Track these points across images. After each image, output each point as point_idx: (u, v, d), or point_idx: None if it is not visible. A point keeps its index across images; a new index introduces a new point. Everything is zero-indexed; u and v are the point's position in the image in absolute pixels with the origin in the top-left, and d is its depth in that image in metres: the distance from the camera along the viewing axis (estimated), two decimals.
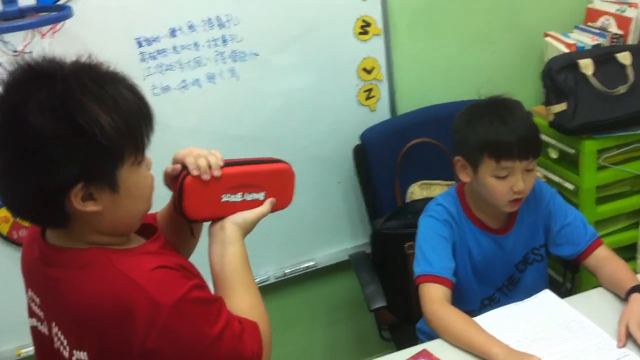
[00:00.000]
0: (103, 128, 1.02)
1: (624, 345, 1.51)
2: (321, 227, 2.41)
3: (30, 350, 2.15)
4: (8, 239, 2.04)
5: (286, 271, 2.41)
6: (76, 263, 1.10)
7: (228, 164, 1.25)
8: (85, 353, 1.09)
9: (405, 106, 2.37)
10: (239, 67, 2.14)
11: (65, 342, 1.13)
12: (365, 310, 2.17)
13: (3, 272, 2.07)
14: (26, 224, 1.96)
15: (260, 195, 1.29)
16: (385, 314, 2.11)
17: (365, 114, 2.33)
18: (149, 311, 1.03)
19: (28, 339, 2.07)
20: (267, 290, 2.32)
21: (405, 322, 2.08)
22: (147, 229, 1.23)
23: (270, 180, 1.30)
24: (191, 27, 2.05)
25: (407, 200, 2.25)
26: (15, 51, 1.75)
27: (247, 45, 2.12)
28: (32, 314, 1.24)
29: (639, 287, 1.62)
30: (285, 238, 2.35)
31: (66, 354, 1.13)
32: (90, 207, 1.06)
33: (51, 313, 1.16)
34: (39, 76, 1.03)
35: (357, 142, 2.26)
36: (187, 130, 2.12)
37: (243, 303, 1.20)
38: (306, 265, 2.43)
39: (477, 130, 1.69)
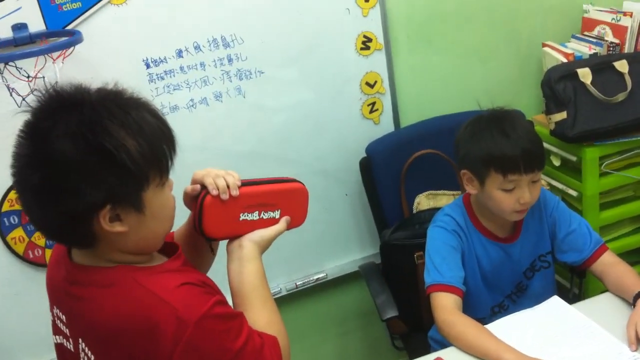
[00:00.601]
0: (129, 152, 1.06)
1: (636, 349, 1.54)
2: (330, 239, 2.45)
3: None
4: (24, 259, 2.07)
5: (297, 283, 2.44)
6: (101, 281, 1.13)
7: (245, 183, 1.29)
8: None
9: (409, 118, 2.41)
10: (245, 85, 2.18)
11: (92, 358, 1.16)
12: (376, 320, 2.19)
13: (20, 290, 2.11)
14: (42, 243, 2.02)
15: (276, 214, 1.33)
16: (397, 323, 2.13)
17: (369, 127, 2.37)
18: (175, 327, 1.06)
19: (43, 355, 2.15)
20: (279, 302, 2.32)
21: (416, 330, 2.11)
22: (168, 247, 1.27)
23: (285, 199, 1.34)
24: (197, 47, 2.10)
25: (414, 210, 2.29)
26: (29, 77, 1.79)
27: (252, 63, 2.17)
28: (57, 331, 1.27)
29: None
30: (295, 251, 2.38)
31: None
32: (117, 227, 1.10)
33: (77, 330, 1.19)
34: (67, 103, 1.08)
35: (363, 154, 2.30)
36: (196, 147, 2.15)
37: (262, 318, 1.23)
38: (317, 277, 2.47)
39: (481, 144, 1.72)
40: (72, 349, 1.23)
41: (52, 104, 1.08)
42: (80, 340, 1.19)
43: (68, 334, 1.23)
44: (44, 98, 1.09)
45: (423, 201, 2.29)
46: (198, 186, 1.28)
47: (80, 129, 1.04)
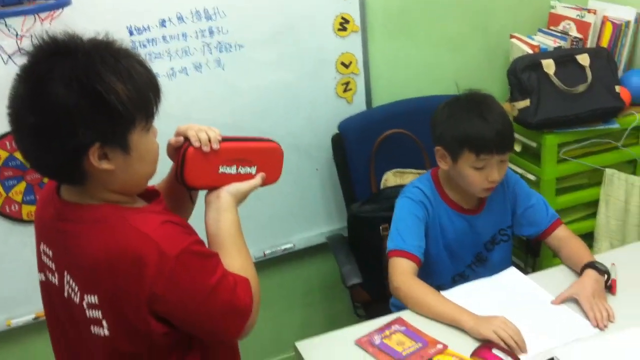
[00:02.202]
0: (119, 95, 1.14)
1: (558, 304, 1.72)
2: (300, 212, 2.54)
3: (19, 321, 2.25)
4: (1, 213, 2.12)
5: (266, 252, 2.52)
6: (90, 217, 1.21)
7: (225, 139, 1.37)
8: (96, 297, 1.21)
9: (380, 99, 2.51)
10: (224, 58, 2.25)
11: (76, 289, 1.24)
12: (340, 291, 2.29)
13: None
14: (18, 199, 2.07)
15: (253, 170, 1.41)
16: (360, 292, 2.23)
17: (342, 106, 2.46)
18: (157, 260, 1.15)
19: (16, 311, 2.20)
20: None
21: (378, 300, 2.21)
22: (149, 193, 1.35)
23: (262, 156, 1.42)
24: (180, 18, 2.16)
25: (382, 187, 2.39)
26: (17, 35, 1.83)
27: (232, 37, 2.24)
28: (42, 267, 1.34)
29: (592, 263, 1.78)
30: (265, 221, 2.47)
31: (77, 299, 1.24)
32: (105, 165, 1.18)
33: (63, 263, 1.26)
34: (62, 49, 1.14)
35: (335, 131, 2.39)
36: (174, 116, 2.14)
37: (236, 263, 1.32)
38: (284, 247, 2.55)
39: (458, 125, 1.82)
40: (56, 283, 1.29)
41: (47, 49, 1.15)
42: (65, 272, 1.25)
43: (54, 268, 1.29)
44: (39, 44, 1.16)
45: (390, 178, 2.39)
46: (181, 138, 1.35)
47: (75, 73, 1.11)
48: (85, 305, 1.23)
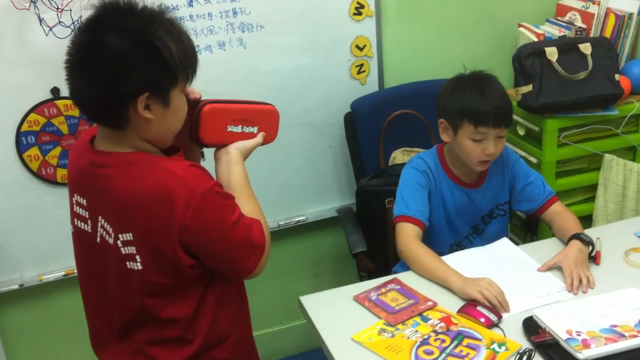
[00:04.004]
0: (171, 52, 1.31)
1: (544, 271, 1.87)
2: (313, 186, 2.69)
3: (50, 277, 2.44)
4: (37, 175, 2.30)
5: (280, 223, 2.68)
6: (124, 161, 1.37)
7: (231, 101, 1.53)
8: (130, 234, 1.37)
9: (392, 81, 2.66)
10: (247, 37, 2.41)
11: (110, 230, 1.40)
12: (349, 262, 2.43)
13: (31, 204, 2.34)
14: (54, 162, 2.25)
15: (255, 129, 1.56)
16: (365, 261, 2.38)
17: (356, 87, 2.61)
18: (186, 195, 1.32)
19: (48, 266, 2.39)
20: None
21: (382, 268, 2.35)
22: (171, 149, 1.49)
23: (262, 117, 1.58)
24: None
25: (390, 164, 2.54)
26: (58, 8, 2.02)
27: (254, 18, 2.40)
28: (75, 217, 1.50)
29: (578, 234, 1.92)
30: (280, 194, 2.63)
31: (111, 240, 1.40)
32: (147, 114, 1.34)
33: (97, 208, 1.42)
34: (125, 8, 1.33)
35: (348, 110, 2.54)
36: (196, 89, 2.37)
37: (247, 208, 1.47)
38: (298, 219, 2.71)
39: (460, 98, 1.97)
40: (89, 230, 1.46)
41: (111, 6, 1.33)
42: (100, 217, 1.42)
43: (87, 216, 1.45)
44: (104, 2, 1.34)
45: (398, 156, 2.54)
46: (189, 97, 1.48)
47: (135, 27, 1.29)
48: (120, 244, 1.39)
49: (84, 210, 1.47)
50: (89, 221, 1.46)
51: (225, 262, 1.43)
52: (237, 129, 1.53)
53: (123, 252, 1.40)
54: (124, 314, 1.48)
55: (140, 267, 1.39)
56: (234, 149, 1.52)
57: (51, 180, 2.32)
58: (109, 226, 1.40)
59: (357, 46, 2.57)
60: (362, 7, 2.52)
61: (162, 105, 1.35)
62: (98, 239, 1.44)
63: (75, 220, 1.51)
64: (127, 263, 1.40)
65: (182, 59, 1.34)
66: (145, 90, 1.31)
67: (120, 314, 1.49)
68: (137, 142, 1.39)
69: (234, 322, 1.56)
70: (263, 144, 1.58)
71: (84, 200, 1.46)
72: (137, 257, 1.39)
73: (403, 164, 2.44)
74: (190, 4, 2.31)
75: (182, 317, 1.46)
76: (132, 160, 1.37)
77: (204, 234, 1.36)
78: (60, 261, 2.43)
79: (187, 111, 1.46)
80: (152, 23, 1.30)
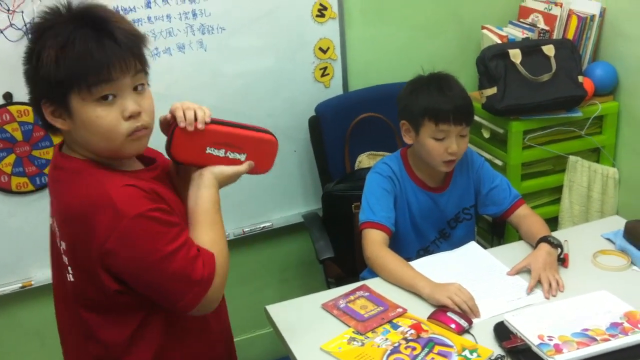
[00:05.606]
0: (50, 59, 1.22)
1: (513, 274, 1.85)
2: (278, 191, 2.65)
3: (5, 289, 2.35)
4: None
5: (245, 229, 2.63)
6: (73, 168, 1.31)
7: (217, 122, 1.42)
8: (64, 243, 1.32)
9: (356, 84, 2.63)
10: (207, 40, 2.35)
11: (58, 234, 1.35)
12: (316, 268, 2.39)
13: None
14: (8, 170, 2.18)
15: (242, 157, 1.45)
16: (333, 266, 2.35)
17: (320, 90, 2.57)
18: (111, 217, 1.24)
19: (5, 278, 2.30)
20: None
21: (350, 274, 2.32)
22: (149, 159, 1.43)
23: (252, 145, 1.46)
24: (164, 0, 2.26)
25: (356, 168, 2.51)
26: (9, 9, 1.94)
27: (214, 20, 2.34)
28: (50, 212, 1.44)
29: (546, 237, 1.91)
30: (245, 200, 2.57)
31: (59, 243, 1.36)
32: (58, 124, 1.29)
33: (53, 209, 1.37)
34: (53, 11, 1.28)
35: (312, 114, 2.50)
36: (157, 94, 2.28)
37: (206, 237, 1.37)
38: (263, 225, 2.66)
39: (420, 98, 1.96)
40: (54, 226, 1.40)
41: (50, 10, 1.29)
42: (54, 219, 1.37)
43: (51, 213, 1.41)
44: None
45: (364, 160, 2.51)
46: (169, 115, 1.41)
47: (34, 29, 1.28)
48: (62, 250, 1.34)
49: (51, 208, 1.42)
50: (52, 218, 1.41)
51: (158, 295, 1.33)
52: (219, 153, 1.42)
53: (63, 260, 1.35)
54: (70, 325, 1.43)
55: (72, 279, 1.34)
56: (209, 173, 1.41)
57: (5, 189, 2.23)
58: (57, 230, 1.36)
59: (320, 49, 2.53)
60: (325, 9, 2.48)
61: (67, 115, 1.28)
62: (57, 239, 1.39)
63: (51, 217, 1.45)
64: (66, 272, 1.35)
65: (65, 67, 1.22)
66: (42, 96, 1.27)
67: (67, 325, 1.44)
68: (82, 151, 1.33)
69: (191, 356, 1.47)
70: (252, 173, 1.48)
71: (51, 198, 1.41)
72: (69, 268, 1.34)
73: (369, 168, 2.41)
74: (148, 5, 2.24)
75: (117, 341, 1.37)
76: (78, 169, 1.31)
77: (130, 262, 1.27)
78: (16, 273, 2.34)
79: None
80: (52, 27, 1.24)
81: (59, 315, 1.47)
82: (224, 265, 1.38)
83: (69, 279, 1.34)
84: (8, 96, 2.14)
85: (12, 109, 2.15)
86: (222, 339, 1.59)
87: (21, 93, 2.01)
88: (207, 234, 1.37)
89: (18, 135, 2.19)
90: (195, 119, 1.37)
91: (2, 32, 2.01)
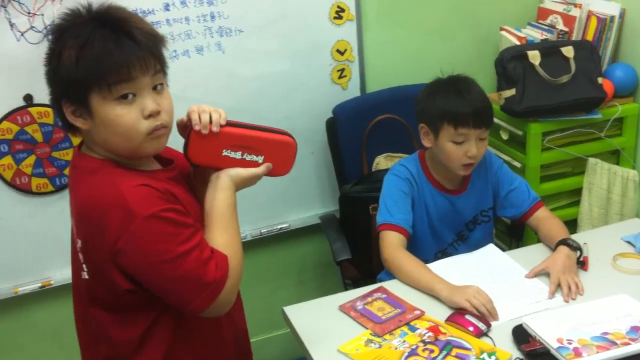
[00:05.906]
0: (70, 59, 1.24)
1: (531, 277, 1.84)
2: (295, 193, 2.65)
3: (25, 289, 2.37)
4: (11, 185, 2.23)
5: (262, 231, 2.63)
6: (89, 168, 1.33)
7: (234, 124, 1.42)
8: (80, 241, 1.34)
9: (374, 86, 2.62)
10: (225, 42, 2.36)
11: (75, 232, 1.37)
12: (332, 270, 2.39)
13: (4, 215, 2.27)
14: (28, 171, 2.19)
15: (259, 159, 1.45)
16: (350, 268, 2.34)
17: (337, 92, 2.57)
18: (123, 217, 1.25)
19: (24, 278, 2.31)
20: (244, 248, 2.49)
21: (367, 276, 2.32)
22: (167, 160, 1.44)
23: (270, 148, 1.45)
24: (183, 2, 2.27)
25: (373, 170, 2.50)
26: (29, 12, 1.96)
27: (232, 22, 2.35)
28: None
29: (565, 240, 1.89)
30: (262, 201, 2.57)
31: (76, 241, 1.37)
32: (79, 123, 1.30)
33: (71, 207, 1.38)
34: (73, 13, 1.30)
35: (330, 116, 2.50)
36: (175, 96, 2.29)
37: (220, 239, 1.37)
38: (280, 226, 2.66)
39: (437, 101, 1.95)
40: (73, 225, 1.41)
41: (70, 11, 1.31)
42: (72, 217, 1.39)
43: (70, 210, 1.41)
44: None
45: (382, 162, 2.50)
46: (186, 117, 1.41)
47: (55, 29, 1.30)
48: (78, 248, 1.36)
49: (70, 207, 1.42)
50: (72, 218, 1.42)
51: (169, 296, 1.33)
52: (236, 155, 1.42)
53: (79, 258, 1.36)
54: (83, 324, 1.45)
55: (86, 277, 1.36)
56: (225, 175, 1.41)
57: (26, 190, 2.25)
58: (75, 228, 1.37)
59: (338, 50, 2.53)
60: (343, 10, 2.48)
61: (87, 114, 1.29)
62: (75, 238, 1.40)
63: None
64: (81, 270, 1.37)
65: (85, 67, 1.24)
66: (62, 96, 1.29)
67: (81, 324, 1.46)
68: (99, 150, 1.35)
69: (201, 357, 1.47)
70: (270, 175, 1.47)
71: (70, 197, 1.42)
72: (84, 266, 1.35)
73: (387, 170, 2.41)
74: (167, 8, 2.25)
75: (128, 341, 1.38)
76: (95, 169, 1.33)
77: (141, 262, 1.28)
78: (36, 272, 2.36)
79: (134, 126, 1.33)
80: (72, 27, 1.26)
81: (76, 314, 1.49)
82: (238, 268, 1.38)
83: (83, 277, 1.36)
84: (28, 98, 2.16)
85: (33, 110, 2.17)
86: (234, 341, 1.58)
87: (41, 95, 2.07)
88: (221, 236, 1.38)
89: (38, 137, 2.21)
90: (211, 122, 1.37)
91: (22, 34, 2.04)
